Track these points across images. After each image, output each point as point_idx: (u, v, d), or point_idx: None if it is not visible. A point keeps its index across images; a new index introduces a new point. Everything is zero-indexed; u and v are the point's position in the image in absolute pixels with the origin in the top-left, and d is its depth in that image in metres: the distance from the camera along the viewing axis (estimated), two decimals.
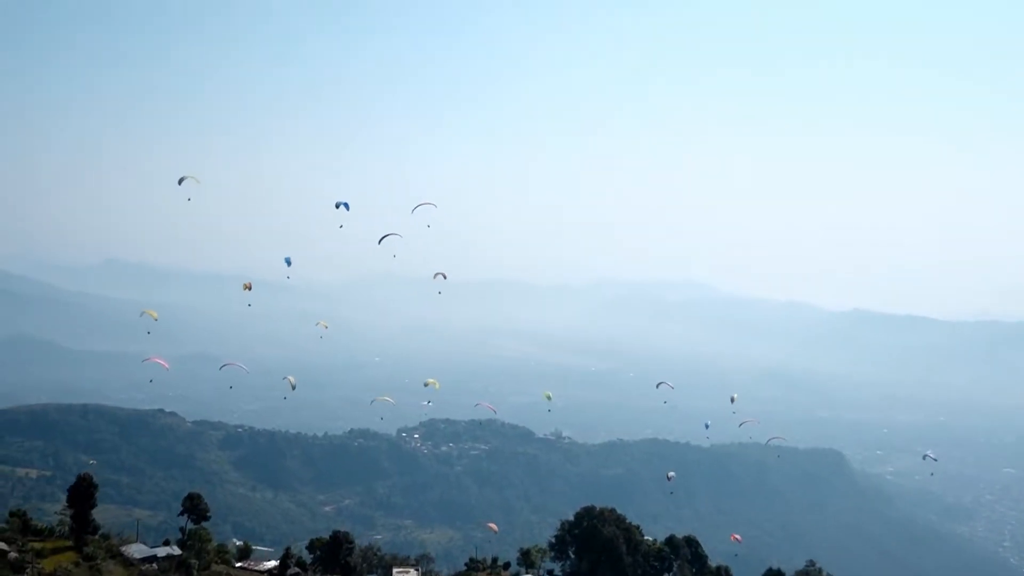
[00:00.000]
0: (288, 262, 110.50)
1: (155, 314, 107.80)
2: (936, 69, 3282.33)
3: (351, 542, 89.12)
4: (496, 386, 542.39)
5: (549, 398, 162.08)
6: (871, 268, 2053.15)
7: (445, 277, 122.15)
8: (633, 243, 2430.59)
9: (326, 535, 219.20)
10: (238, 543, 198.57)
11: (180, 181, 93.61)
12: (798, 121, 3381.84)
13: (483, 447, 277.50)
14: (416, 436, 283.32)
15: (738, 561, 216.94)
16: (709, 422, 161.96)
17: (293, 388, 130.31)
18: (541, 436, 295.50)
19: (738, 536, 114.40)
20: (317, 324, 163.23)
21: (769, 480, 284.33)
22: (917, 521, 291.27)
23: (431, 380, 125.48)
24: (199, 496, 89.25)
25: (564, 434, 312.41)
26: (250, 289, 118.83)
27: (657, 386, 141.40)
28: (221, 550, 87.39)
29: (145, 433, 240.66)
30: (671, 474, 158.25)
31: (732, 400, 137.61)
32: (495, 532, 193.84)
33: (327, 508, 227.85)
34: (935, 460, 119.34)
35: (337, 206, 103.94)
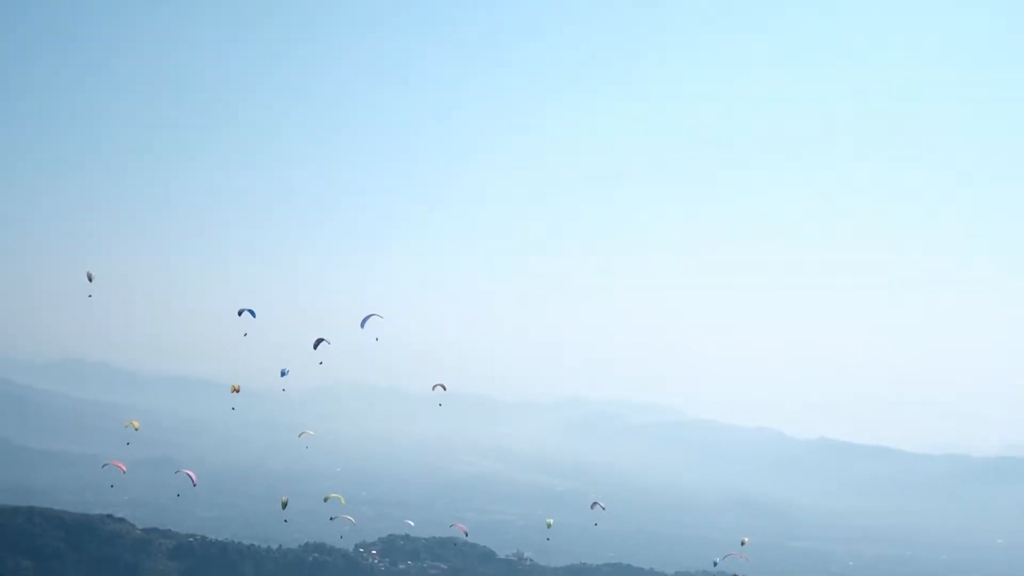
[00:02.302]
0: (284, 373, 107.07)
1: (137, 424, 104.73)
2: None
3: None
4: (457, 502, 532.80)
5: (549, 526, 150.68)
6: (838, 396, 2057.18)
7: (445, 389, 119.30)
8: (600, 362, 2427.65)
9: None
10: None
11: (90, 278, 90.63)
12: (761, 247, 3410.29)
13: (443, 566, 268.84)
14: (374, 552, 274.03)
15: None
16: (718, 559, 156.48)
17: (284, 507, 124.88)
18: (503, 557, 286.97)
19: None
20: (301, 435, 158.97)
21: None
22: None
23: (334, 494, 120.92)
24: None
25: (526, 555, 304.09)
26: (239, 391, 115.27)
27: (592, 506, 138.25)
28: None
29: (92, 539, 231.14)
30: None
31: (743, 543, 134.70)
32: None
33: None
34: None
35: (240, 313, 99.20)
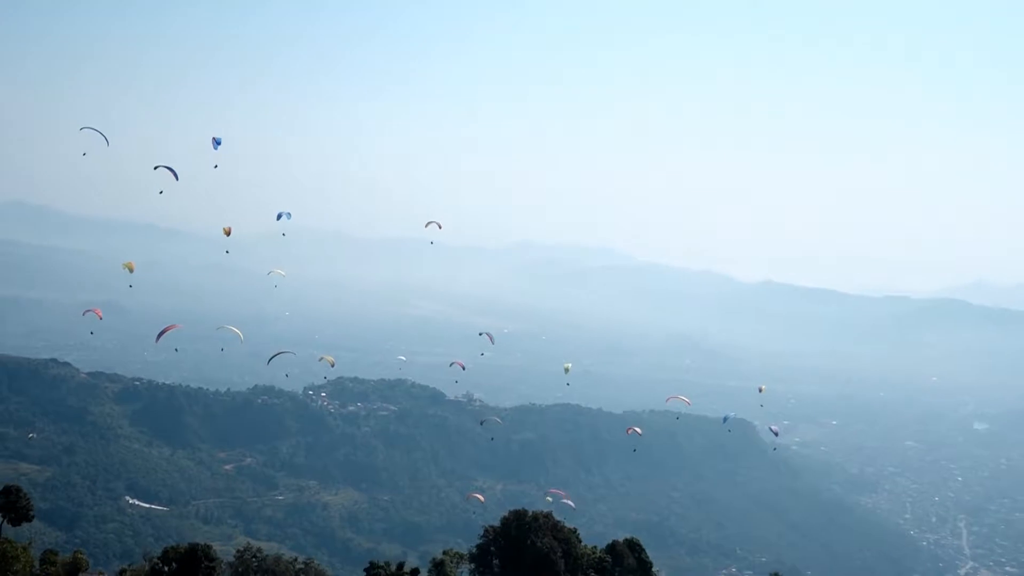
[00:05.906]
0: (281, 216, 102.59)
1: (132, 265, 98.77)
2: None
3: (212, 559, 71.62)
4: (407, 344, 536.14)
5: (567, 370, 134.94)
6: (783, 240, 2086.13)
7: (440, 227, 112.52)
8: (551, 207, 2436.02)
9: (226, 494, 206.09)
10: (131, 501, 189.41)
11: (81, 129, 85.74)
12: (719, 98, 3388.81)
13: (392, 408, 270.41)
14: (323, 395, 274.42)
15: (650, 529, 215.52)
16: (731, 413, 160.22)
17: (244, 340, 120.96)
18: (451, 398, 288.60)
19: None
20: (270, 273, 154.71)
21: (680, 448, 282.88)
22: (823, 492, 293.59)
23: (327, 357, 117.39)
24: (17, 490, 75.76)
25: (475, 396, 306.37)
26: (230, 234, 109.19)
27: (480, 335, 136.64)
28: (49, 559, 73.35)
29: (36, 384, 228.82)
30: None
31: (760, 391, 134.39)
32: (481, 502, 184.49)
33: (227, 467, 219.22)
34: (776, 434, 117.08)
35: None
